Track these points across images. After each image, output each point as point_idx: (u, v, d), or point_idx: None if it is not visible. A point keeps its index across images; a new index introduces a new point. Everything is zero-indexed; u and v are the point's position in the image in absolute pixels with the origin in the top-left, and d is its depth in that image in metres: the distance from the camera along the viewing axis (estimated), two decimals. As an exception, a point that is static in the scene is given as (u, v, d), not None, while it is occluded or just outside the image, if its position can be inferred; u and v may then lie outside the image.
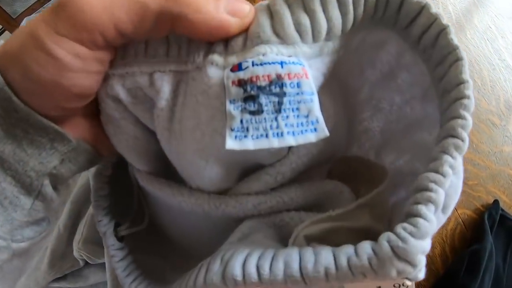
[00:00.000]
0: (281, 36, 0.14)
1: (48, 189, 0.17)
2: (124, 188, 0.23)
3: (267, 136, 0.14)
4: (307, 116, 0.14)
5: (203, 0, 0.14)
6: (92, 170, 0.22)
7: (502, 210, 0.55)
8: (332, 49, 0.16)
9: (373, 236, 0.16)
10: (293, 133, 0.14)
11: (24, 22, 0.82)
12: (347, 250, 0.13)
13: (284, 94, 0.14)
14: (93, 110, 0.17)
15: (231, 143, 0.13)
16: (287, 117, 0.14)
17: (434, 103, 0.17)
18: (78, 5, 0.13)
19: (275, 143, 0.13)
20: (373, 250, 0.13)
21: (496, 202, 0.55)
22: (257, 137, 0.14)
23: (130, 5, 0.13)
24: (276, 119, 0.14)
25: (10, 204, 0.16)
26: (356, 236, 0.16)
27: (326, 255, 0.13)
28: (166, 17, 0.13)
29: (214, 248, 0.18)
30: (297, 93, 0.14)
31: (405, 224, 0.13)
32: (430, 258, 0.56)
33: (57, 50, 0.13)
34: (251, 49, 0.14)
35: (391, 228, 0.17)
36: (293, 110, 0.14)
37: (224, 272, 0.14)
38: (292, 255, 0.14)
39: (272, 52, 0.14)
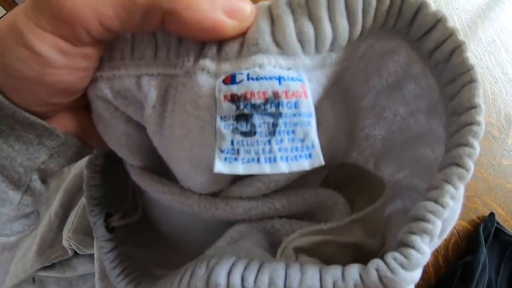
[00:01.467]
0: (281, 46, 0.13)
1: (36, 183, 0.16)
2: (118, 179, 0.22)
3: (258, 160, 0.13)
4: (302, 140, 0.13)
5: None
6: (85, 159, 0.22)
7: (497, 223, 0.55)
8: (335, 60, 0.15)
9: (364, 251, 0.16)
10: (287, 158, 0.13)
11: None
12: (334, 272, 0.13)
13: (280, 115, 0.13)
14: (81, 103, 0.17)
15: (220, 166, 0.13)
16: (281, 140, 0.13)
17: (440, 120, 0.16)
18: (65, 4, 0.12)
19: (266, 169, 0.13)
20: (361, 276, 0.12)
21: (492, 214, 0.55)
22: (248, 161, 0.13)
23: (119, 5, 0.12)
24: (269, 142, 0.13)
25: None
26: (346, 250, 0.16)
27: (312, 275, 0.13)
28: (155, 13, 0.12)
29: (205, 246, 0.17)
30: (294, 114, 0.13)
31: (396, 254, 0.13)
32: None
33: (40, 45, 0.12)
34: (247, 58, 0.13)
35: (384, 244, 0.17)
36: (288, 133, 0.13)
37: (209, 279, 0.14)
38: (278, 270, 0.13)
39: (270, 63, 0.13)
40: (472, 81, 0.14)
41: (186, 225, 0.21)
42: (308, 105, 0.13)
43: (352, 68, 0.18)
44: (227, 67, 0.13)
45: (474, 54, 0.80)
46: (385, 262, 0.12)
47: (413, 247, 0.13)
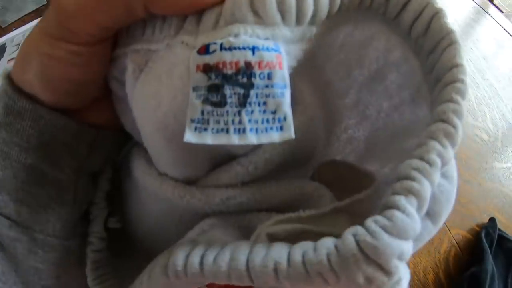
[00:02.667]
0: (259, 15, 0.13)
1: (84, 181, 0.19)
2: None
3: (227, 131, 0.12)
4: (274, 112, 0.13)
5: None
6: None
7: (500, 230, 0.50)
8: (313, 35, 0.14)
9: None
10: (256, 130, 0.13)
11: (13, 33, 0.84)
12: (305, 245, 0.12)
13: (252, 85, 0.12)
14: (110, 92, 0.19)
15: (189, 136, 0.12)
16: (252, 112, 0.12)
17: (425, 104, 0.16)
18: (62, 13, 0.14)
19: (235, 140, 0.12)
20: (335, 245, 0.11)
21: (492, 219, 0.51)
22: (217, 131, 0.13)
23: (101, 5, 0.14)
24: (239, 113, 0.12)
25: (56, 204, 0.18)
26: None
27: (279, 249, 0.12)
28: (136, 5, 0.14)
29: None
30: (266, 86, 0.12)
31: (378, 217, 0.11)
32: (423, 286, 0.51)
33: (56, 52, 0.15)
34: (222, 29, 0.13)
35: None
36: (259, 105, 0.12)
37: (167, 263, 0.13)
38: (241, 247, 0.12)
39: (246, 33, 0.12)
40: (451, 43, 0.14)
41: (161, 218, 0.20)
42: (282, 76, 0.13)
43: (333, 59, 0.18)
44: (203, 39, 0.13)
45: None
46: (364, 227, 0.11)
47: (396, 207, 0.11)
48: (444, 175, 0.14)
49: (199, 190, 0.17)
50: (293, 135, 0.13)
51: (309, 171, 0.21)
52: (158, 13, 0.14)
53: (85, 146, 0.18)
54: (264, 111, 0.12)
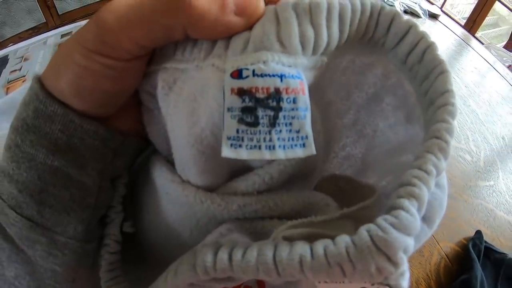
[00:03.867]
0: (284, 45, 0.14)
1: (106, 184, 0.19)
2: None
3: (260, 148, 0.14)
4: (298, 131, 0.14)
5: (208, 1, 0.14)
6: None
7: (486, 242, 0.53)
8: (323, 64, 0.16)
9: None
10: (284, 147, 0.14)
11: (9, 49, 0.85)
12: (324, 241, 0.13)
13: (280, 109, 0.14)
14: (137, 101, 0.19)
15: (227, 151, 0.14)
16: (280, 131, 0.14)
17: (418, 124, 0.17)
18: (103, 27, 0.14)
19: (266, 155, 0.14)
20: (352, 240, 0.13)
21: (479, 232, 0.54)
22: (250, 148, 0.14)
23: (142, 24, 0.14)
24: (270, 132, 0.14)
25: (79, 206, 0.18)
26: None
27: (301, 246, 0.13)
28: (177, 29, 0.14)
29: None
30: (292, 109, 0.14)
31: (386, 216, 0.13)
32: (416, 296, 0.53)
33: (91, 64, 0.15)
34: (251, 54, 0.14)
35: None
36: (286, 125, 0.14)
37: (195, 260, 0.14)
38: (267, 244, 0.14)
39: (273, 60, 0.14)
40: (443, 71, 0.15)
41: (177, 223, 0.21)
42: (305, 101, 0.14)
43: (335, 81, 0.19)
44: (233, 63, 0.14)
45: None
46: (375, 224, 0.13)
47: (401, 208, 0.13)
48: (437, 184, 0.16)
49: (219, 197, 0.18)
50: (314, 151, 0.14)
51: (311, 185, 0.22)
52: (195, 37, 0.15)
53: (111, 151, 0.18)
54: (290, 131, 0.14)
